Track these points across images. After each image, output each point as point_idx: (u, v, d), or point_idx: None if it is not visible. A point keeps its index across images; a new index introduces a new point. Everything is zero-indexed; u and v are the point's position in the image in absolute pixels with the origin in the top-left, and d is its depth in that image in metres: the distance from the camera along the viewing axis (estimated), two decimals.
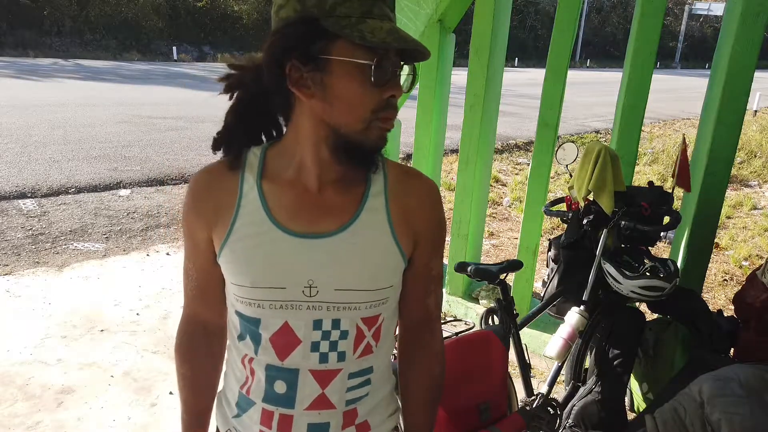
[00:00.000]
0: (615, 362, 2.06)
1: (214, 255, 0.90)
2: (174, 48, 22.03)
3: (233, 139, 0.90)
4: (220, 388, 1.05)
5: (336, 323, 0.87)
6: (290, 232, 0.85)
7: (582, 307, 2.06)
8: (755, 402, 1.47)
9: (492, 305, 2.05)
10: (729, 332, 2.06)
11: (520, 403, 2.02)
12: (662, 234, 2.72)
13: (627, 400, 2.45)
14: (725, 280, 4.27)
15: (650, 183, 2.17)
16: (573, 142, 2.36)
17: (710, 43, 41.68)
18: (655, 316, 2.36)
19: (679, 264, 2.31)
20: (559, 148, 2.24)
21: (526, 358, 2.02)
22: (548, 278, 2.32)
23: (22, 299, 3.31)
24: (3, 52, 18.07)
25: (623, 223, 2.03)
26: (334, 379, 0.89)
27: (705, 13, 44.27)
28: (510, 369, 1.89)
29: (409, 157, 6.60)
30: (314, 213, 0.86)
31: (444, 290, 3.32)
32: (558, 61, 2.67)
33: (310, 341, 0.87)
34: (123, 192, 5.52)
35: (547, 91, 2.74)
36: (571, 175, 2.23)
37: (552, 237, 2.47)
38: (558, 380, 2.12)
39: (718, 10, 40.80)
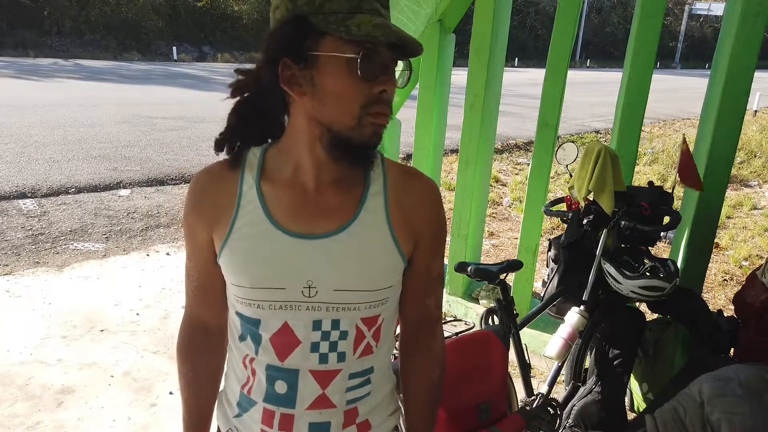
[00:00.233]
0: (615, 362, 2.06)
1: (215, 255, 0.90)
2: (174, 48, 22.03)
3: (235, 139, 0.91)
4: (220, 387, 1.05)
5: (335, 324, 0.87)
6: (289, 232, 0.85)
7: (582, 307, 2.06)
8: (755, 402, 1.47)
9: (492, 305, 2.05)
10: (729, 332, 2.06)
11: (520, 403, 2.02)
12: (662, 234, 2.72)
13: (627, 400, 2.45)
14: (725, 280, 4.27)
15: (650, 183, 2.17)
16: (573, 142, 2.36)
17: (710, 43, 41.69)
18: (655, 316, 2.36)
19: (679, 264, 2.31)
20: (559, 148, 2.24)
21: (526, 358, 2.02)
22: (548, 278, 2.32)
23: (22, 299, 3.31)
24: (3, 52, 18.07)
25: (623, 223, 2.03)
26: (334, 380, 0.89)
27: (705, 13, 44.26)
28: (510, 369, 1.89)
29: (409, 157, 6.60)
30: (313, 213, 0.86)
31: (444, 290, 3.32)
32: (558, 61, 2.67)
33: (309, 342, 0.87)
34: (123, 192, 5.52)
35: (547, 91, 2.74)
36: (571, 175, 2.23)
37: (552, 237, 2.47)
38: (558, 380, 2.12)
39: (718, 10, 40.80)
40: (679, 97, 17.89)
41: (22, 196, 5.12)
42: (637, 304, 2.38)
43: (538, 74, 13.65)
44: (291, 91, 0.82)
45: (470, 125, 3.03)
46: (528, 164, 7.05)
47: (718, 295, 3.98)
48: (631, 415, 2.41)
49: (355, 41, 0.76)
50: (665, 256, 2.51)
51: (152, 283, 3.64)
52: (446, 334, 1.81)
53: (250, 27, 24.41)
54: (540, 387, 2.09)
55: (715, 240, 4.24)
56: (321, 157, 0.84)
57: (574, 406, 2.07)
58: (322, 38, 0.77)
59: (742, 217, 5.89)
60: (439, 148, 3.38)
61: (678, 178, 2.11)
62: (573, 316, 2.02)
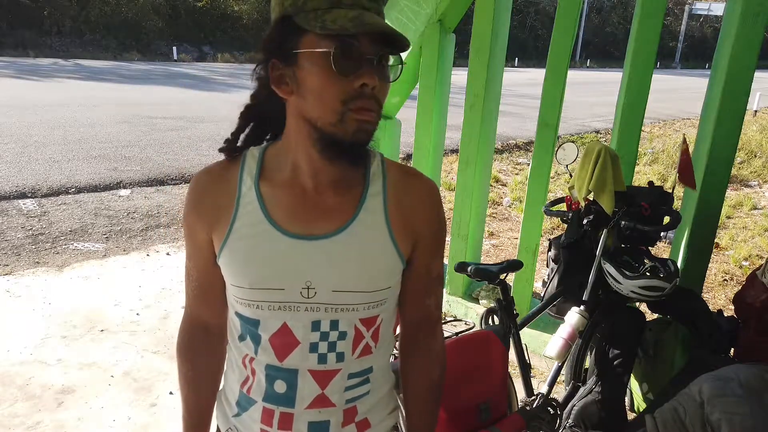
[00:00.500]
0: (615, 362, 2.06)
1: (215, 256, 0.90)
2: (174, 48, 22.02)
3: (247, 141, 0.93)
4: (220, 387, 1.05)
5: (334, 324, 0.87)
6: (288, 233, 0.85)
7: (582, 307, 2.06)
8: (755, 402, 1.47)
9: (492, 305, 2.05)
10: (729, 332, 2.06)
11: (520, 403, 2.02)
12: (662, 234, 2.72)
13: (627, 400, 2.45)
14: (725, 280, 4.27)
15: (650, 183, 2.17)
16: (573, 142, 2.36)
17: (710, 43, 41.68)
18: (655, 316, 2.36)
19: (679, 264, 2.31)
20: (559, 148, 2.24)
21: (526, 358, 2.02)
22: (548, 278, 2.32)
23: (22, 299, 3.31)
24: (3, 52, 18.06)
25: (623, 223, 2.03)
26: (333, 379, 0.89)
27: (705, 13, 44.25)
28: (510, 369, 1.89)
29: (409, 157, 6.60)
30: (312, 214, 0.86)
31: (444, 290, 3.32)
32: (558, 61, 2.67)
33: (308, 342, 0.87)
34: (123, 192, 5.52)
35: (547, 91, 2.74)
36: (571, 175, 2.23)
37: (552, 237, 2.47)
38: (558, 380, 2.12)
39: (718, 10, 40.79)
40: (679, 97, 17.89)
41: (22, 196, 5.12)
42: (637, 304, 2.38)
43: (538, 74, 13.65)
44: (279, 91, 0.83)
45: (470, 125, 3.03)
46: (528, 164, 7.05)
47: (718, 295, 3.98)
48: (631, 415, 2.41)
49: (331, 36, 0.76)
50: (665, 256, 2.51)
51: (152, 283, 3.64)
52: (446, 334, 1.81)
53: (250, 27, 24.41)
54: (540, 387, 2.09)
55: (715, 240, 4.24)
56: (315, 157, 0.84)
57: (574, 406, 2.07)
58: (303, 36, 0.78)
59: (742, 217, 5.90)
60: (439, 148, 3.38)
61: (677, 178, 2.11)
62: (573, 316, 2.02)
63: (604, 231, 2.08)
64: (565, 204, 2.30)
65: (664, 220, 2.07)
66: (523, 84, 18.67)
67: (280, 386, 0.90)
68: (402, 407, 1.08)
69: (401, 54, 0.84)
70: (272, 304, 0.86)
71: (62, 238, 4.31)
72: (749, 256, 4.71)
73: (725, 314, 2.16)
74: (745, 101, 2.20)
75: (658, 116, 13.39)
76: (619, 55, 26.63)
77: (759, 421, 1.42)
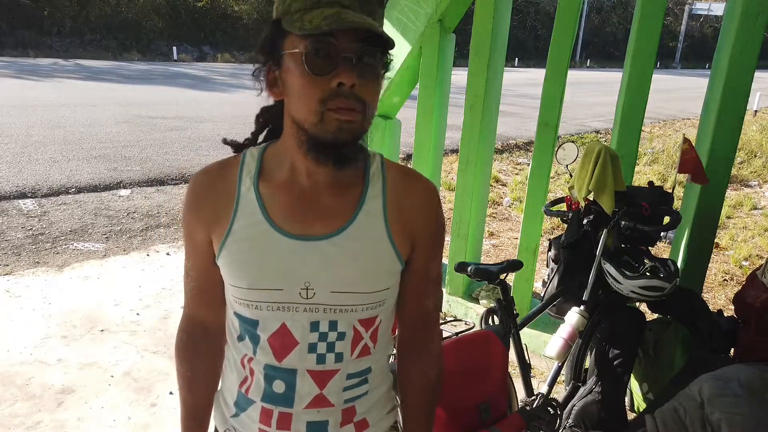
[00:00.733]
0: (615, 362, 2.06)
1: (214, 256, 0.90)
2: (174, 48, 22.02)
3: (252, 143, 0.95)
4: (218, 388, 1.05)
5: (333, 325, 0.87)
6: (287, 233, 0.85)
7: (582, 307, 2.06)
8: (755, 402, 1.47)
9: (492, 305, 2.05)
10: (729, 332, 2.06)
11: (520, 403, 2.02)
12: (662, 234, 2.72)
13: (627, 400, 2.45)
14: (725, 280, 4.27)
15: (650, 183, 2.17)
16: (573, 142, 2.36)
17: (710, 43, 41.69)
18: (655, 316, 2.36)
19: (679, 264, 2.31)
20: (559, 148, 2.24)
21: (526, 358, 2.02)
22: (548, 278, 2.32)
23: (22, 299, 3.31)
24: (3, 52, 18.07)
25: (623, 223, 2.03)
26: (332, 379, 0.89)
27: (705, 13, 44.25)
28: (510, 369, 1.89)
29: (409, 157, 6.59)
30: (310, 215, 0.86)
31: (444, 290, 3.32)
32: (558, 61, 2.67)
33: (307, 342, 0.87)
34: (123, 192, 5.52)
35: (547, 91, 2.74)
36: (571, 175, 2.23)
37: (552, 237, 2.47)
38: (558, 380, 2.12)
39: (718, 10, 40.79)
40: (679, 97, 17.89)
41: (22, 196, 5.12)
42: (637, 304, 2.38)
43: (538, 74, 13.66)
44: (270, 93, 0.84)
45: (470, 125, 3.03)
46: (528, 164, 7.05)
47: (718, 295, 3.98)
48: (631, 415, 2.40)
49: (307, 36, 0.76)
50: (665, 256, 2.51)
51: (152, 283, 3.64)
52: (446, 334, 1.81)
53: (250, 27, 24.40)
54: (540, 387, 2.09)
55: (715, 240, 4.24)
56: (309, 159, 0.83)
57: (574, 406, 2.07)
58: (286, 38, 0.79)
59: (742, 217, 5.89)
60: (439, 148, 3.38)
61: (687, 178, 2.10)
62: (573, 316, 2.02)
63: (604, 231, 2.08)
64: (565, 204, 2.30)
65: (664, 220, 2.07)
66: (523, 84, 18.67)
67: (278, 386, 0.90)
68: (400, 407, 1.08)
69: (390, 51, 0.82)
70: (271, 304, 0.86)
71: (62, 238, 4.31)
72: (749, 256, 4.71)
73: (725, 314, 2.16)
74: (745, 101, 2.20)
75: (658, 116, 13.39)
76: (619, 55, 26.64)
77: (759, 421, 1.42)
